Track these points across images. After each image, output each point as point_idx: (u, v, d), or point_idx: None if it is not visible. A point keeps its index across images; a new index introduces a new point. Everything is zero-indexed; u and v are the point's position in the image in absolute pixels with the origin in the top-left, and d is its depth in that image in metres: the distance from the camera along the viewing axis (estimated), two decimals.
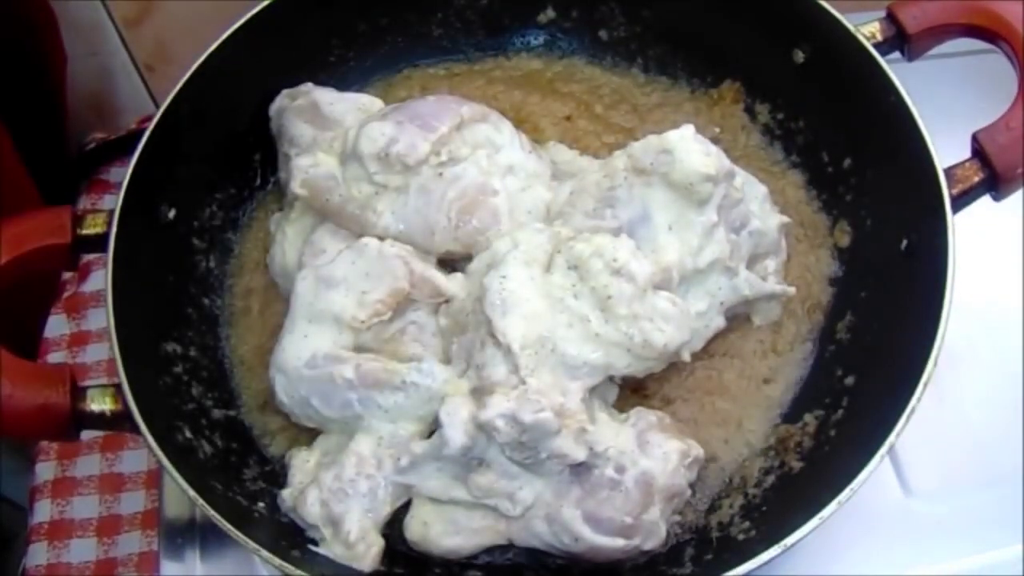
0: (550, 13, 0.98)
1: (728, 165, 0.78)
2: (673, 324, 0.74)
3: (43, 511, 0.94)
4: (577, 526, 0.72)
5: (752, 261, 0.82)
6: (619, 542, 0.72)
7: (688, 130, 0.77)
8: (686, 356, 0.77)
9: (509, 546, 0.76)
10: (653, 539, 0.73)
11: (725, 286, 0.80)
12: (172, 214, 0.85)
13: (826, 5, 0.85)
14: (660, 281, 0.75)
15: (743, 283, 0.80)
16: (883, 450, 0.69)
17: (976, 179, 0.77)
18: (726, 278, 0.80)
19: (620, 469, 0.72)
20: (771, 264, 0.83)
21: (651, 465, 0.73)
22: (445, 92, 0.94)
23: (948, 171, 0.77)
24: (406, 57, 0.98)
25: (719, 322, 0.81)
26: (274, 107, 0.89)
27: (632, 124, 0.94)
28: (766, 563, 0.67)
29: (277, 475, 0.80)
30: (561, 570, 0.76)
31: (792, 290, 0.84)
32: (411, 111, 0.82)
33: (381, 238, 0.79)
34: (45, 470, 0.96)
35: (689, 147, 0.76)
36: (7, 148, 0.98)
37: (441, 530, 0.75)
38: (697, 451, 0.76)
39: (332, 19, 0.93)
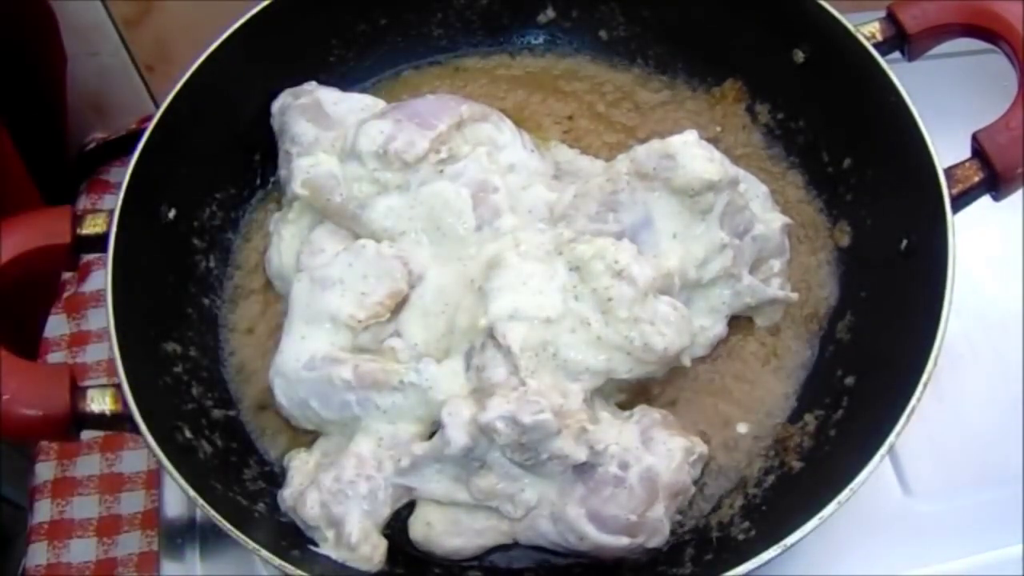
0: (550, 13, 0.98)
1: (732, 171, 0.78)
2: (673, 328, 0.74)
3: (43, 511, 0.94)
4: (582, 525, 0.72)
5: (756, 263, 0.82)
6: (624, 540, 0.72)
7: (692, 135, 0.77)
8: (686, 361, 0.77)
9: (511, 546, 0.76)
10: (657, 537, 0.73)
11: (728, 295, 0.80)
12: (172, 214, 0.85)
13: (826, 5, 0.85)
14: (661, 286, 0.75)
15: (746, 289, 0.80)
16: (883, 450, 0.69)
17: (976, 179, 0.77)
18: (729, 286, 0.80)
19: (624, 466, 0.72)
20: (776, 264, 0.83)
21: (655, 462, 0.73)
22: (447, 91, 0.94)
23: (948, 171, 0.77)
24: (406, 57, 0.98)
25: (721, 329, 0.81)
26: (277, 105, 0.89)
27: (634, 123, 0.94)
28: (766, 563, 0.67)
29: (277, 475, 0.80)
30: (561, 571, 0.76)
31: (795, 296, 0.84)
32: (410, 109, 0.82)
33: (381, 237, 0.79)
34: (45, 470, 0.96)
35: (692, 152, 0.76)
36: (7, 148, 0.98)
37: (444, 531, 0.75)
38: (701, 448, 0.76)
39: (332, 19, 0.93)
